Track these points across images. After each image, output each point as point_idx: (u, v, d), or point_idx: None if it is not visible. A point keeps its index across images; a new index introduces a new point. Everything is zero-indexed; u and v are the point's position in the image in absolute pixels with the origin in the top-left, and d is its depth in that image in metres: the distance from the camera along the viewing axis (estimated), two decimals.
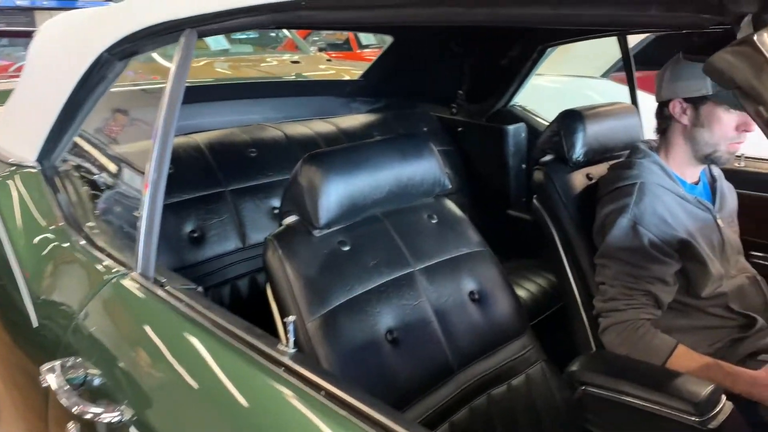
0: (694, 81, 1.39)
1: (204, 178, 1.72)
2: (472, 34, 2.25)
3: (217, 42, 4.44)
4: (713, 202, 1.52)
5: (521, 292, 2.02)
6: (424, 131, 2.36)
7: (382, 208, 1.22)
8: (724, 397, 1.13)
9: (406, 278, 1.17)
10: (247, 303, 1.73)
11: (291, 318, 0.83)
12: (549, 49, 2.21)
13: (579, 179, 1.64)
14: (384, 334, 1.10)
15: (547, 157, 1.67)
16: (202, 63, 3.84)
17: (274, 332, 1.03)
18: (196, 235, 1.65)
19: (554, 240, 1.60)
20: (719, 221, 1.49)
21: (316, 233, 1.13)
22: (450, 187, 1.31)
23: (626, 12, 0.49)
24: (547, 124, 2.39)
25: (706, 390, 1.11)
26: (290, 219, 1.15)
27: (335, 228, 1.15)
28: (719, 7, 0.44)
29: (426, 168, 1.26)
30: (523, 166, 2.34)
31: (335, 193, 1.10)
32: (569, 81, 3.71)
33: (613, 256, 1.41)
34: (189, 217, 1.65)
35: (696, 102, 1.40)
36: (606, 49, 3.37)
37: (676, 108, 1.44)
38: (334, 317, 1.06)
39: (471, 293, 1.26)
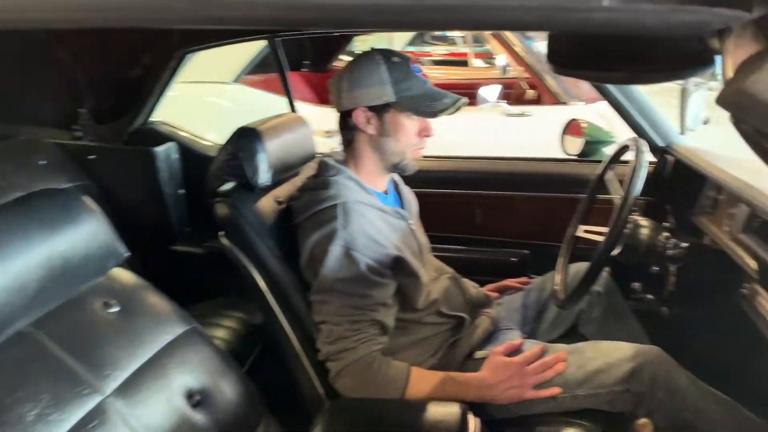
0: (374, 88, 1.30)
1: None
2: (84, 36, 1.77)
3: None
4: (403, 208, 1.49)
5: (217, 343, 1.69)
6: (42, 165, 1.77)
7: (30, 316, 0.76)
8: (471, 416, 1.11)
9: (95, 415, 0.75)
10: None
11: None
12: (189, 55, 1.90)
13: (270, 205, 1.41)
14: None
15: (228, 185, 1.39)
16: None
17: None
18: None
19: (256, 282, 1.34)
20: (412, 226, 1.46)
21: None
22: (129, 253, 0.92)
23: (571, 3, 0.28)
24: (197, 139, 2.10)
25: (455, 416, 1.08)
26: None
27: None
28: None
29: (87, 235, 0.84)
30: (181, 191, 1.99)
31: None
32: (189, 88, 3.36)
33: (332, 289, 1.25)
34: None
35: (379, 110, 1.32)
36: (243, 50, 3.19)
37: (360, 118, 1.33)
38: None
39: (190, 396, 0.91)
